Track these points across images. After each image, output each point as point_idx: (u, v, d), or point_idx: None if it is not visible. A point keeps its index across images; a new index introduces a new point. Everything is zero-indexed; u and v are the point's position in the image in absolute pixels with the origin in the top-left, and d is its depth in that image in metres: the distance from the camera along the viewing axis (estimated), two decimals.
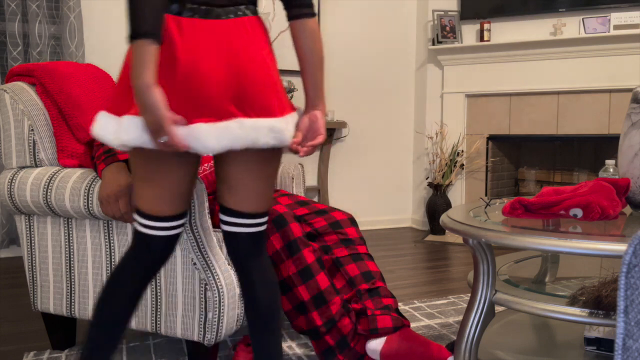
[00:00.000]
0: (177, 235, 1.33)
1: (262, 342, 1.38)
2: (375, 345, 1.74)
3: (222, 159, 1.29)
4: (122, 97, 1.20)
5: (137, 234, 1.31)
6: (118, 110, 1.19)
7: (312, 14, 1.28)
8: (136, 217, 1.30)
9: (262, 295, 1.36)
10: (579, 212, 1.48)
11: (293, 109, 1.30)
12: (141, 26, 1.07)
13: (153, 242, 1.30)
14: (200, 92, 1.15)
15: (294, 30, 1.28)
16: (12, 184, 1.88)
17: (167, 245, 1.32)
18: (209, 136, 1.15)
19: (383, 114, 4.61)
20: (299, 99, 4.33)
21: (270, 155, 1.29)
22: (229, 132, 1.16)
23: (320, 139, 1.29)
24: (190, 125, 1.14)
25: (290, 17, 1.28)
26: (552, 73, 4.01)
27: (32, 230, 1.93)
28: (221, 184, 1.32)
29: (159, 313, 1.73)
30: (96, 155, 1.76)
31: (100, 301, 1.32)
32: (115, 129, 1.17)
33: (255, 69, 1.20)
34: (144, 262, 1.30)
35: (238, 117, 1.17)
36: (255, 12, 1.25)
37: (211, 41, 1.17)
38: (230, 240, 1.35)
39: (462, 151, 4.35)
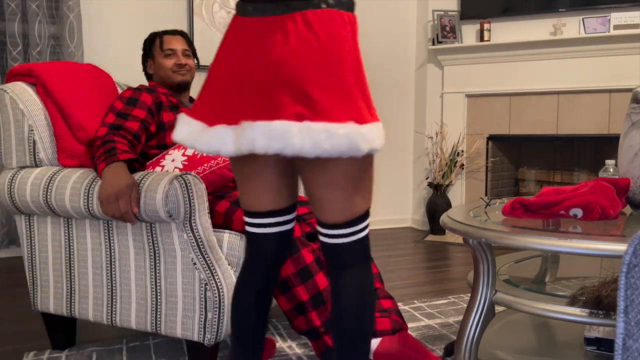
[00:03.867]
0: (288, 233, 1.29)
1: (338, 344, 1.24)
2: (371, 344, 1.74)
3: (297, 167, 1.22)
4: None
5: (247, 236, 1.30)
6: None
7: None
8: (245, 219, 1.29)
9: (353, 310, 1.22)
10: (579, 212, 1.48)
11: (375, 118, 1.15)
12: None
13: (264, 243, 1.27)
14: (230, 89, 1.13)
15: None
16: (12, 184, 1.88)
17: (279, 245, 1.28)
18: (228, 140, 1.11)
19: (383, 114, 4.61)
20: None
21: (336, 162, 1.14)
22: (244, 134, 1.09)
23: None
24: (215, 127, 1.12)
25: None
26: (552, 73, 4.01)
27: (32, 230, 1.93)
28: (305, 193, 1.27)
29: (159, 313, 1.73)
30: (96, 155, 1.76)
31: (232, 317, 1.31)
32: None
33: (314, 68, 1.08)
34: (258, 263, 1.28)
35: (260, 120, 1.08)
36: (334, 5, 1.12)
37: (251, 39, 1.12)
38: (324, 252, 1.27)
39: (462, 151, 4.35)
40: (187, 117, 1.19)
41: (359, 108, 1.10)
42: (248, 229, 1.29)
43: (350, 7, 1.16)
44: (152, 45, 2.13)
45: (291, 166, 1.24)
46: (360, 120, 1.09)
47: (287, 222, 1.29)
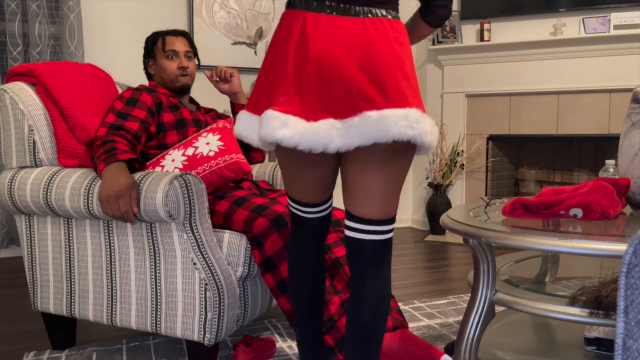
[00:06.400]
0: (328, 215, 1.44)
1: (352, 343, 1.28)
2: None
3: (341, 159, 1.28)
4: (256, 93, 1.26)
5: (293, 214, 1.44)
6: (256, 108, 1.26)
7: (440, 26, 1.42)
8: (290, 202, 1.42)
9: (368, 311, 1.26)
10: (579, 212, 1.48)
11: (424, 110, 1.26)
12: None
13: (307, 221, 1.42)
14: (331, 85, 1.16)
15: (422, 27, 1.42)
16: (12, 184, 1.88)
17: (320, 222, 1.42)
18: (334, 135, 1.16)
19: None
20: None
21: (390, 154, 1.21)
22: (354, 128, 1.15)
23: None
24: (315, 123, 1.16)
25: (427, 21, 1.40)
26: (552, 73, 4.01)
27: (32, 230, 1.93)
28: (343, 185, 1.30)
29: (159, 313, 1.73)
30: (96, 155, 1.76)
31: (290, 290, 1.47)
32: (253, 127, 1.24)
33: (389, 61, 1.17)
34: (304, 237, 1.43)
35: (366, 111, 1.15)
36: (394, 16, 1.25)
37: (345, 35, 1.18)
38: (348, 247, 1.30)
39: (462, 151, 4.35)
40: (281, 114, 1.17)
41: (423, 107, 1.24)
42: (294, 210, 1.43)
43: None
44: (154, 45, 2.12)
45: (336, 163, 1.34)
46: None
47: (328, 207, 1.44)
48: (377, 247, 1.27)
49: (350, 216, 1.28)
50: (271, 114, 1.17)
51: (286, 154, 1.30)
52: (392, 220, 1.28)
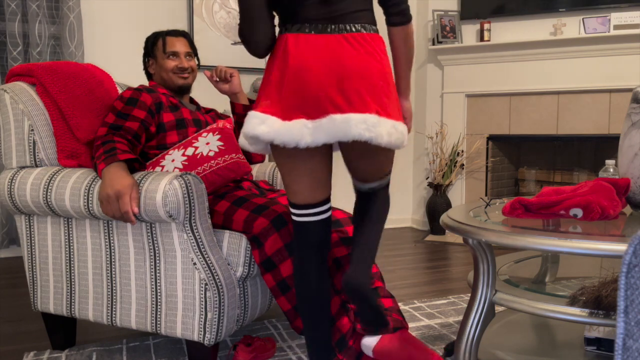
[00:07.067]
0: (328, 221, 1.56)
1: (364, 229, 1.58)
2: (370, 342, 1.74)
3: (348, 149, 1.55)
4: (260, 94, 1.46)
5: (295, 224, 1.55)
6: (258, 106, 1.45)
7: (407, 21, 1.50)
8: (291, 210, 1.55)
9: (377, 207, 1.61)
10: (579, 212, 1.48)
11: (402, 118, 1.49)
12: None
13: (310, 226, 1.53)
14: (304, 90, 1.38)
15: (392, 34, 1.52)
16: (12, 184, 1.88)
17: (322, 229, 1.55)
18: (305, 133, 1.37)
19: None
20: None
21: (368, 148, 1.47)
22: (322, 128, 1.36)
23: (409, 125, 1.63)
24: (289, 122, 1.37)
25: (389, 23, 1.51)
26: (552, 73, 4.01)
27: (32, 230, 1.93)
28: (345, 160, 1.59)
29: (159, 313, 1.73)
30: (96, 155, 1.76)
31: (298, 298, 1.57)
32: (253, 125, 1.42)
33: (355, 72, 1.38)
34: (308, 246, 1.54)
35: (332, 114, 1.36)
36: (369, 30, 1.45)
37: (319, 50, 1.39)
38: (359, 193, 1.64)
39: (462, 151, 4.35)
40: (260, 113, 1.41)
41: (400, 113, 1.49)
42: (297, 219, 1.54)
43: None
44: (155, 45, 2.12)
45: (331, 159, 1.55)
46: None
47: (327, 210, 1.56)
48: (381, 186, 1.61)
49: (359, 180, 1.60)
50: (252, 113, 1.41)
51: (281, 152, 1.47)
52: (388, 172, 1.61)
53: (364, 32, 1.42)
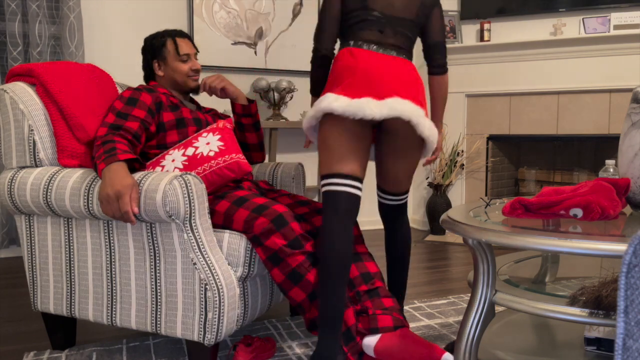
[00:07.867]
0: (359, 197, 1.78)
1: (396, 268, 2.02)
2: (371, 341, 1.74)
3: (377, 148, 1.94)
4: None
5: (330, 194, 1.76)
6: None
7: (444, 72, 1.93)
8: (322, 181, 1.79)
9: (401, 237, 2.03)
10: (579, 212, 1.48)
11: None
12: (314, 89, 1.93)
13: (345, 195, 1.75)
14: (372, 82, 1.73)
15: (432, 81, 1.95)
16: (12, 184, 1.88)
17: (354, 201, 1.76)
18: (372, 106, 1.68)
19: None
20: (299, 99, 4.33)
21: (407, 148, 1.85)
22: (386, 105, 1.70)
23: (437, 153, 1.98)
24: (358, 99, 1.70)
25: (430, 73, 1.94)
26: (552, 73, 4.01)
27: (32, 230, 1.93)
28: (377, 168, 1.98)
29: (159, 313, 1.73)
30: (96, 155, 1.76)
31: (324, 255, 1.71)
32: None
33: (406, 79, 1.77)
34: (341, 212, 1.73)
35: (395, 96, 1.72)
36: (409, 59, 1.86)
37: (380, 59, 1.77)
38: (387, 209, 2.03)
39: (462, 151, 4.35)
40: (333, 94, 1.74)
41: None
42: (334, 188, 1.75)
43: None
44: (164, 48, 2.11)
45: (369, 143, 1.82)
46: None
47: (357, 188, 1.78)
48: (404, 205, 2.03)
49: (390, 193, 1.98)
50: (328, 94, 1.75)
51: (341, 125, 1.74)
52: (408, 191, 2.01)
53: (405, 58, 1.84)
